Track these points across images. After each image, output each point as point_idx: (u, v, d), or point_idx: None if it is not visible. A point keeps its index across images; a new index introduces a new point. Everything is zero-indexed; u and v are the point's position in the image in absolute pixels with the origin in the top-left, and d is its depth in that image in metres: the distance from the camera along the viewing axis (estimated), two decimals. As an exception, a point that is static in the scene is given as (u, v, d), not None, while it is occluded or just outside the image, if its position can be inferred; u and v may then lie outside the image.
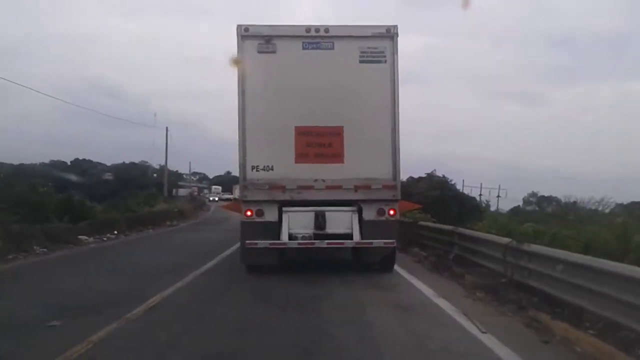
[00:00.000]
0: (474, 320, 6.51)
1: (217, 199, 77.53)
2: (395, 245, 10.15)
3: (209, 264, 11.97)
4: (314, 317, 7.04)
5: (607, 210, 21.22)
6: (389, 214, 10.16)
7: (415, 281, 9.71)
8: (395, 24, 10.15)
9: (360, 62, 10.12)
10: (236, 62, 10.01)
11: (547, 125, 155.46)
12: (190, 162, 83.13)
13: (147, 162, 64.85)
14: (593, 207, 22.15)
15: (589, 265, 6.32)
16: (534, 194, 48.05)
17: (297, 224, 9.97)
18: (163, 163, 53.34)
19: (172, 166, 65.65)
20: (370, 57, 10.13)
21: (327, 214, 9.98)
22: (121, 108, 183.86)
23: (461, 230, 12.13)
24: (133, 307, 7.18)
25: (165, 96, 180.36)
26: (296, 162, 10.03)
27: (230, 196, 70.17)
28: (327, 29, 10.12)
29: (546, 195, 42.96)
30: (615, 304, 5.75)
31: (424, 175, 25.19)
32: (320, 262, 11.54)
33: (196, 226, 29.95)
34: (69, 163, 71.31)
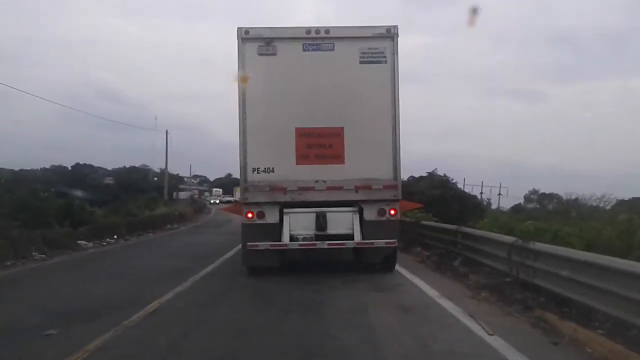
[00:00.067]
0: (480, 321, 6.37)
1: (217, 201, 77.39)
2: (396, 245, 10.17)
3: (209, 268, 11.85)
4: (316, 320, 6.93)
5: (608, 207, 21.19)
6: (389, 213, 10.15)
7: (418, 281, 9.61)
8: (395, 24, 10.17)
9: (361, 62, 10.13)
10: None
11: (547, 123, 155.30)
12: (190, 165, 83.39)
13: (147, 165, 64.83)
14: (594, 204, 22.11)
15: (597, 263, 6.17)
16: (535, 192, 48.03)
17: (298, 225, 9.98)
18: (164, 166, 53.27)
19: (173, 169, 65.56)
20: (371, 58, 10.13)
21: (328, 214, 9.97)
22: (121, 112, 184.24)
23: (465, 229, 11.99)
24: (131, 313, 7.04)
25: (166, 99, 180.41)
26: (297, 164, 10.05)
27: (231, 198, 70.06)
28: (327, 30, 10.14)
29: (547, 192, 42.96)
30: (624, 303, 5.60)
31: (425, 175, 25.06)
32: (321, 262, 11.49)
33: (197, 229, 29.79)
34: (69, 168, 70.99)
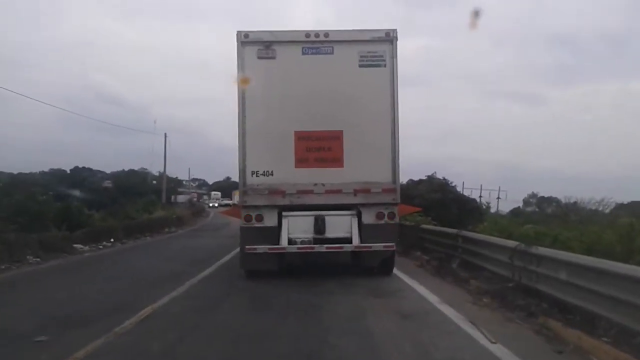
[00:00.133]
0: (481, 328, 6.20)
1: (216, 205, 77.33)
2: (394, 248, 10.23)
3: (206, 271, 11.72)
4: (314, 325, 6.77)
5: (607, 211, 21.14)
6: (388, 217, 10.15)
7: (417, 286, 9.47)
8: (394, 27, 10.19)
9: (360, 66, 10.14)
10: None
11: (546, 126, 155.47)
12: (189, 169, 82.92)
13: (146, 169, 64.65)
14: (593, 207, 22.06)
15: (602, 269, 6.02)
16: (534, 195, 48.09)
17: (296, 228, 10.00)
18: (162, 170, 53.09)
19: (172, 173, 65.59)
20: (370, 61, 10.15)
21: (326, 218, 9.97)
22: (121, 115, 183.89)
23: (465, 233, 11.86)
24: (124, 319, 6.86)
25: (165, 102, 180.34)
26: (296, 167, 10.06)
27: (230, 202, 70.11)
28: (326, 33, 10.14)
29: (546, 196, 42.85)
30: (630, 309, 5.45)
31: (424, 178, 24.94)
32: (319, 266, 11.46)
33: (195, 232, 29.63)
34: (68, 171, 70.99)
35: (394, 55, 10.09)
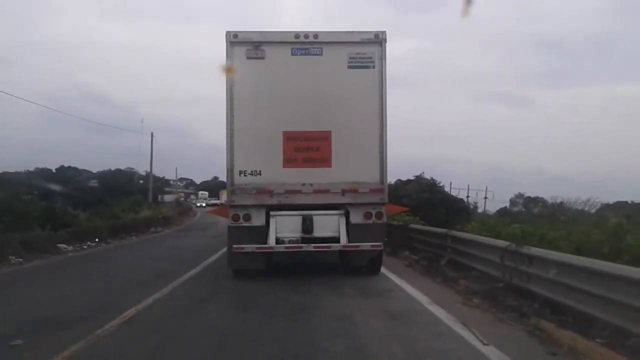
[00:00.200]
0: (473, 330, 6.07)
1: (204, 204, 76.85)
2: (382, 248, 10.27)
3: (192, 272, 11.52)
4: (301, 327, 6.63)
5: (593, 211, 21.20)
6: (376, 217, 10.22)
7: (406, 286, 9.36)
8: (383, 29, 10.28)
9: (349, 67, 10.17)
10: (227, 70, 10.04)
11: (533, 128, 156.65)
12: (176, 168, 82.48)
13: (133, 168, 64.05)
14: (579, 208, 22.12)
15: (594, 269, 5.92)
16: (520, 195, 48.15)
17: (284, 228, 10.02)
18: (149, 169, 52.60)
19: (159, 172, 65.14)
20: (359, 63, 10.18)
21: (314, 217, 9.99)
22: (108, 114, 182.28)
23: (455, 233, 11.76)
24: (105, 322, 6.64)
25: (153, 102, 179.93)
26: (284, 167, 10.10)
27: (217, 202, 69.66)
28: (316, 34, 10.19)
29: (532, 196, 42.89)
30: (623, 310, 5.36)
31: (412, 178, 24.81)
32: (307, 265, 11.41)
33: (181, 232, 29.27)
34: (54, 170, 70.23)
35: (382, 57, 10.14)
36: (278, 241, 9.86)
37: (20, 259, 13.91)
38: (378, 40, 10.15)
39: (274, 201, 9.99)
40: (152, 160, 49.60)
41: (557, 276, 6.67)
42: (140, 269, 12.69)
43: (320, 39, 10.13)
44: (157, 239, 24.53)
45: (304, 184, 10.00)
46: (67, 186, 45.91)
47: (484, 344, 5.53)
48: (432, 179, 24.57)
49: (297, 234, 9.92)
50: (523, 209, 40.29)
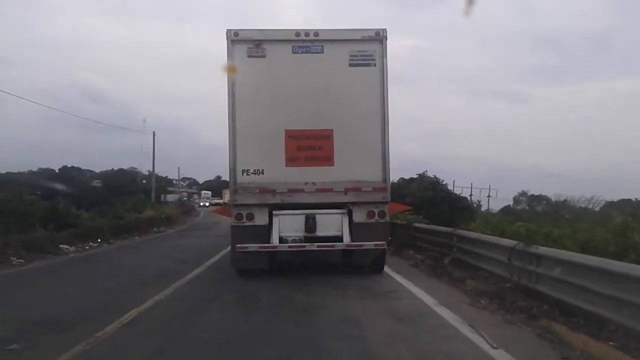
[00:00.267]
0: (481, 332, 5.91)
1: (207, 204, 76.87)
2: (385, 247, 10.24)
3: (195, 272, 11.41)
4: (305, 328, 6.53)
5: (597, 209, 21.02)
6: (379, 216, 10.18)
7: (412, 287, 9.19)
8: (384, 27, 10.24)
9: (350, 65, 10.14)
10: (230, 69, 10.01)
11: (535, 124, 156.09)
12: (179, 168, 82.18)
13: (136, 168, 64.09)
14: (583, 205, 21.93)
15: (606, 269, 5.76)
16: (524, 193, 47.84)
17: (287, 227, 9.99)
18: (152, 169, 52.53)
19: (162, 172, 65.16)
20: (360, 61, 10.15)
21: (317, 216, 9.95)
22: (110, 114, 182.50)
23: (461, 232, 11.62)
24: (106, 324, 6.50)
25: (155, 101, 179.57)
26: (287, 166, 10.07)
27: (220, 201, 69.64)
28: (316, 32, 10.16)
29: (536, 194, 42.64)
30: (635, 311, 5.19)
31: (415, 176, 24.65)
32: (310, 265, 11.34)
33: (184, 232, 29.23)
34: (57, 171, 70.13)
35: (383, 55, 10.09)
36: (281, 240, 9.83)
37: (22, 260, 13.83)
38: (379, 37, 10.11)
39: (276, 200, 9.95)
40: (154, 160, 49.52)
41: (565, 275, 6.52)
42: (143, 269, 12.62)
43: (321, 37, 10.09)
44: (160, 238, 24.49)
45: (306, 183, 9.98)
46: (70, 186, 45.77)
47: (493, 347, 5.36)
48: (435, 177, 24.38)
49: (300, 233, 9.88)
50: (527, 207, 40.05)
